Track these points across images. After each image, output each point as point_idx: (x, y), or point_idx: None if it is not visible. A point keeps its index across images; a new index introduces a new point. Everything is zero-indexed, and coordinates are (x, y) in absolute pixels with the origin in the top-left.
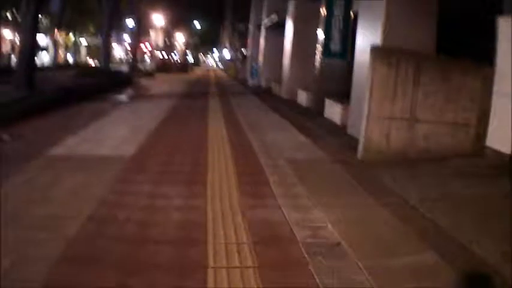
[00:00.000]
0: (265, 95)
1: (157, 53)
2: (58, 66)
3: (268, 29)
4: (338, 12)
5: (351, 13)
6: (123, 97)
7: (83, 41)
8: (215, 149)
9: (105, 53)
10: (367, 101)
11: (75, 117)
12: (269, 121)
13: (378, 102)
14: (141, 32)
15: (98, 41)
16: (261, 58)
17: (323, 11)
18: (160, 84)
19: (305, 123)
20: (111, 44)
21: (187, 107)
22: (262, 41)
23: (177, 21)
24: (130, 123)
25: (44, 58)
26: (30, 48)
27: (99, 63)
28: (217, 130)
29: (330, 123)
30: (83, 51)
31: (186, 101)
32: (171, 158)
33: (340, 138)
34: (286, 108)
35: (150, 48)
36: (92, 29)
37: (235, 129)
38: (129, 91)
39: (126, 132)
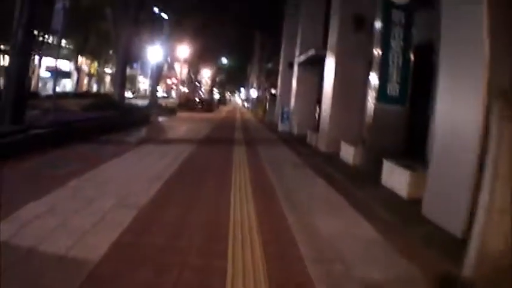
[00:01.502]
0: (299, 145)
1: (182, 89)
2: (78, 94)
3: (302, 67)
4: (396, 46)
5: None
6: (130, 140)
7: (108, 70)
8: (239, 250)
9: (120, 85)
10: (486, 180)
11: (53, 166)
12: (312, 191)
13: (505, 184)
14: (163, 64)
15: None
16: (292, 100)
17: (377, 45)
18: (180, 125)
19: (359, 195)
20: (125, 75)
21: (205, 161)
22: (294, 81)
23: (204, 56)
24: (121, 188)
25: (66, 85)
26: (19, 73)
27: (115, 95)
28: (242, 206)
29: (394, 197)
30: (108, 80)
31: (206, 150)
32: (166, 269)
33: (416, 225)
34: (329, 167)
35: (174, 83)
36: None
37: (269, 206)
38: (142, 132)
39: (108, 204)
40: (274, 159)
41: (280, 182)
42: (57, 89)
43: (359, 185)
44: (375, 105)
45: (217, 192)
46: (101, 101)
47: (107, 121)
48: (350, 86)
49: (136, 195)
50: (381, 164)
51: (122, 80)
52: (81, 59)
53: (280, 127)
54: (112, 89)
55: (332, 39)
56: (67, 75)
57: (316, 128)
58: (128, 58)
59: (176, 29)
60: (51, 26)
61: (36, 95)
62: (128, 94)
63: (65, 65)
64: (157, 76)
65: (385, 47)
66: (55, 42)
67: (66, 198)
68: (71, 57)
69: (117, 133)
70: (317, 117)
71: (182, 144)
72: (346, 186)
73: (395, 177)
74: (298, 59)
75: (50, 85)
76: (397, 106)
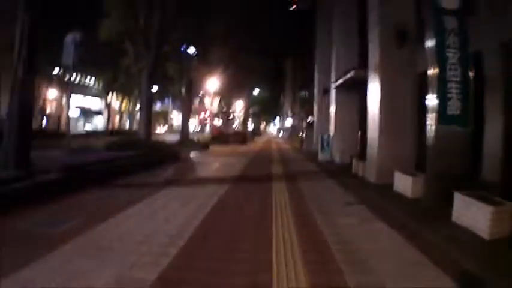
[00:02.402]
0: (344, 177)
1: (215, 122)
2: (108, 132)
3: (339, 91)
4: (453, 57)
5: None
6: (152, 182)
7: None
8: None
9: (145, 121)
10: None
11: (52, 222)
12: (376, 244)
13: None
14: (193, 97)
15: (156, 107)
16: (331, 128)
17: (431, 59)
18: (212, 161)
19: (430, 238)
20: (151, 111)
21: (238, 208)
22: (332, 107)
23: (235, 87)
24: (125, 257)
25: (97, 123)
26: (22, 112)
27: (141, 133)
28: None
29: (473, 238)
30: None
31: (239, 191)
32: None
33: None
34: (385, 203)
35: (206, 116)
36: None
37: (327, 277)
38: (168, 171)
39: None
40: (320, 198)
41: (335, 235)
42: (89, 128)
43: (427, 224)
44: (436, 127)
45: (255, 248)
46: (125, 139)
47: (128, 161)
48: (398, 107)
49: (143, 268)
50: (448, 196)
51: (147, 117)
52: (111, 97)
53: (320, 156)
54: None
55: (373, 57)
56: (97, 113)
57: (360, 155)
58: (151, 94)
59: (204, 61)
60: (61, 60)
61: (62, 134)
62: (161, 130)
63: (95, 103)
64: (188, 110)
65: (441, 60)
66: (83, 80)
67: (49, 271)
68: (101, 95)
69: (140, 174)
70: (359, 143)
71: (212, 185)
72: (413, 228)
73: (472, 213)
74: (335, 83)
75: (80, 123)
76: (460, 127)
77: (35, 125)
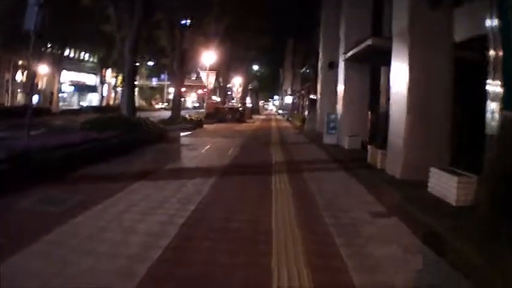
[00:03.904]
0: (358, 167)
1: (213, 98)
2: (98, 108)
3: (350, 65)
4: None
5: None
6: (119, 174)
7: (136, 82)
8: None
9: (128, 96)
10: None
11: None
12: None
13: None
14: (187, 72)
15: (151, 83)
16: (339, 107)
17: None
18: (203, 143)
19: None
20: (133, 84)
21: (221, 220)
22: (340, 83)
23: (233, 63)
24: None
25: (92, 99)
26: None
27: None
28: None
29: None
30: (136, 92)
31: (228, 190)
32: None
33: None
34: (423, 213)
35: (201, 92)
36: (144, 71)
37: None
38: (146, 156)
39: None
40: (337, 204)
41: (367, 273)
42: (84, 104)
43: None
44: (505, 114)
45: None
46: (104, 117)
47: (101, 144)
48: (431, 84)
49: None
50: None
51: (130, 91)
52: (105, 72)
53: (326, 139)
54: (142, 102)
55: (399, 20)
56: (92, 89)
57: (372, 139)
58: (134, 65)
59: (199, 33)
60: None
61: (49, 111)
62: (158, 106)
63: (90, 78)
64: (180, 85)
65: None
66: (77, 56)
67: None
68: (96, 70)
69: (110, 162)
70: (371, 126)
71: (195, 178)
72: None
73: None
74: (345, 55)
75: (74, 99)
76: None
77: (21, 102)
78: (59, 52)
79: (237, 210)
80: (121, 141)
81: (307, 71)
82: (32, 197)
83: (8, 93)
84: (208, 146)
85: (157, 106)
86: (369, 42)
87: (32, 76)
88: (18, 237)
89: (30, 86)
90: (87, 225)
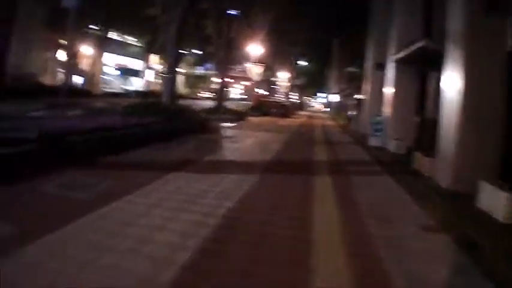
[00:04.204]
0: (404, 173)
1: (257, 90)
2: (141, 94)
3: (400, 66)
4: None
5: None
6: (157, 162)
7: (181, 70)
8: None
9: (169, 83)
10: None
11: None
12: None
13: None
14: (233, 62)
15: (197, 71)
16: (386, 108)
17: None
18: (246, 135)
19: None
20: (175, 71)
21: (261, 220)
22: (388, 85)
23: (280, 57)
24: None
25: (137, 84)
26: None
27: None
28: None
29: None
30: (181, 80)
31: (267, 189)
32: None
33: None
34: (472, 229)
35: (247, 84)
36: (190, 59)
37: None
38: (187, 146)
39: None
40: (382, 212)
41: None
42: (128, 88)
43: None
44: None
45: None
46: (146, 102)
47: (139, 130)
48: (486, 92)
49: None
50: None
51: (172, 78)
52: (150, 57)
53: (371, 141)
54: (187, 90)
55: (454, 25)
56: (137, 73)
57: (418, 145)
58: (178, 51)
59: (247, 24)
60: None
61: (89, 92)
62: (202, 95)
63: (135, 63)
64: (225, 74)
65: None
66: (123, 39)
67: None
68: (142, 55)
69: (147, 148)
70: (418, 130)
71: (234, 174)
72: None
73: None
74: (395, 56)
75: (118, 83)
76: None
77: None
78: (103, 34)
79: (277, 213)
80: (161, 129)
81: (354, 70)
82: (58, 180)
83: (49, 72)
84: (251, 139)
85: (202, 95)
86: (420, 44)
87: (69, 55)
88: (31, 226)
89: (66, 65)
90: (110, 218)
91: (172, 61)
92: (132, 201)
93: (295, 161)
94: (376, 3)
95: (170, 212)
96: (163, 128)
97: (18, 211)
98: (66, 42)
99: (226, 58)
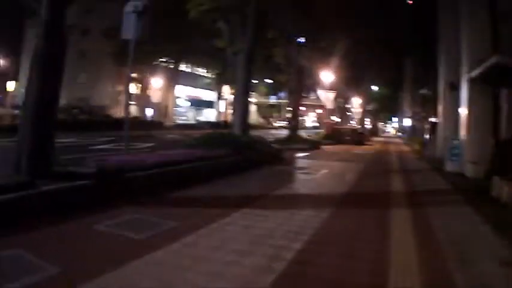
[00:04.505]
0: (483, 201)
1: (331, 118)
2: (216, 124)
3: (474, 85)
4: None
5: None
6: (228, 195)
7: (253, 99)
8: None
9: (241, 112)
10: None
11: None
12: None
13: None
14: (304, 89)
15: (269, 100)
16: (462, 131)
17: None
18: (319, 165)
19: None
20: (247, 101)
21: (344, 249)
22: (462, 106)
23: (352, 82)
24: None
25: (209, 115)
26: (41, 96)
27: (235, 127)
28: None
29: None
30: (254, 110)
31: (346, 218)
32: None
33: None
34: None
35: (321, 112)
36: (262, 88)
37: None
38: (257, 179)
39: None
40: (464, 249)
41: None
42: (200, 119)
43: None
44: None
45: None
46: (214, 134)
47: (206, 163)
48: None
49: None
50: None
51: (243, 107)
52: (222, 88)
53: (448, 166)
54: (260, 120)
55: None
56: (209, 104)
57: (496, 169)
58: (248, 81)
59: (316, 51)
60: (121, 33)
61: (161, 124)
62: (276, 124)
63: (207, 94)
64: (296, 103)
65: None
66: (193, 70)
67: None
68: (214, 86)
69: (214, 183)
70: (495, 154)
71: (305, 210)
72: None
73: None
74: (468, 75)
75: (190, 114)
76: None
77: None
78: (175, 66)
79: (353, 254)
80: (229, 161)
81: (427, 92)
82: (114, 218)
83: (120, 105)
84: (324, 170)
85: (275, 124)
86: (492, 61)
87: (127, 86)
88: (78, 268)
89: (125, 96)
90: (166, 262)
91: (242, 91)
92: (192, 243)
93: (369, 192)
94: (445, 22)
95: (233, 256)
96: (232, 161)
97: (66, 250)
98: (137, 75)
99: (297, 86)
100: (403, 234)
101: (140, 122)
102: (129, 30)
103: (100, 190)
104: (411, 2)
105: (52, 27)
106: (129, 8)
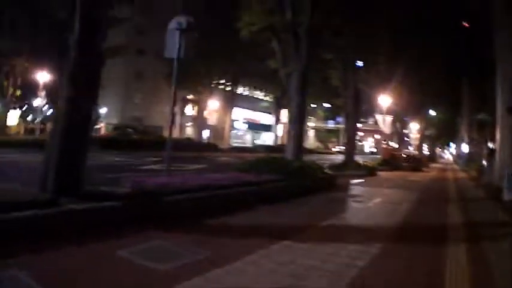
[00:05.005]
0: None
1: (389, 144)
2: (273, 148)
3: None
4: None
5: None
6: (271, 224)
7: (311, 124)
8: None
9: (293, 138)
10: None
11: None
12: None
13: None
14: (361, 113)
15: (327, 125)
16: None
17: None
18: (373, 193)
19: None
20: (302, 125)
21: None
22: None
23: (410, 107)
24: None
25: (266, 138)
26: (72, 114)
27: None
28: None
29: None
30: (311, 134)
31: (397, 256)
32: None
33: None
34: None
35: (378, 137)
36: (320, 112)
37: None
38: (305, 207)
39: None
40: None
41: None
42: (257, 142)
43: None
44: None
45: None
46: (266, 158)
47: (254, 189)
48: None
49: None
50: None
51: (297, 131)
52: (280, 112)
53: (506, 195)
54: (318, 144)
55: None
56: (267, 128)
57: None
58: (302, 104)
59: (373, 74)
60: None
61: (215, 146)
62: (334, 149)
63: (265, 117)
64: (353, 127)
65: None
66: (251, 93)
67: None
68: (272, 109)
69: (257, 210)
70: None
71: (354, 243)
72: None
73: None
74: None
75: (247, 137)
76: None
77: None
78: (231, 88)
79: None
80: (278, 187)
81: (484, 116)
82: (140, 245)
83: (175, 126)
84: (378, 199)
85: (333, 149)
86: None
87: (173, 106)
88: None
89: (170, 116)
90: None
91: (296, 113)
92: (216, 279)
93: (423, 225)
94: (502, 45)
95: None
96: (281, 187)
97: (80, 279)
98: (193, 97)
99: (354, 110)
100: (459, 277)
101: (194, 144)
102: (173, 48)
103: (130, 212)
104: (467, 24)
105: (86, 44)
106: (172, 25)
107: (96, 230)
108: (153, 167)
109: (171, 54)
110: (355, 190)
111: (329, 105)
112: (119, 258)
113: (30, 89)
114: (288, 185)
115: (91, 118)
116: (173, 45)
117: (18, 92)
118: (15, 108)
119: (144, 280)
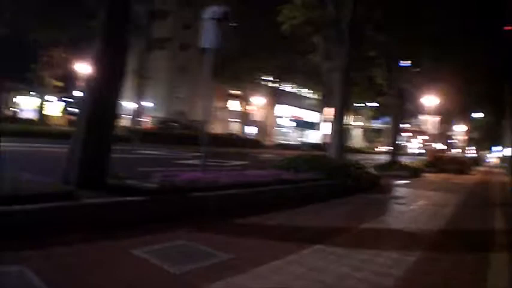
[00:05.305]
0: None
1: (434, 145)
2: (318, 146)
3: None
4: None
5: None
6: (305, 226)
7: (359, 122)
8: None
9: (335, 135)
10: None
11: None
12: None
13: None
14: (406, 114)
15: (374, 124)
16: None
17: None
18: (417, 195)
19: None
20: (342, 122)
21: None
22: None
23: (455, 109)
24: None
25: (313, 135)
26: (96, 106)
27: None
28: None
29: None
30: (357, 133)
31: (436, 267)
32: None
33: None
34: None
35: (424, 139)
36: (369, 112)
37: None
38: (345, 208)
39: None
40: None
41: None
42: (303, 140)
43: None
44: None
45: None
46: (307, 156)
47: (293, 187)
48: None
49: None
50: None
51: (339, 130)
52: (327, 110)
53: None
54: (367, 143)
55: None
56: (313, 126)
57: None
58: (345, 101)
59: (419, 74)
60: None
61: (258, 143)
62: (381, 148)
63: (312, 115)
64: (397, 127)
65: None
66: (298, 91)
67: None
68: (318, 107)
69: (294, 210)
70: None
71: (391, 250)
72: None
73: None
74: None
75: (294, 135)
76: None
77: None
78: (277, 85)
79: None
80: (317, 186)
81: None
82: (160, 243)
83: (220, 121)
84: (421, 201)
85: (379, 149)
86: None
87: (210, 100)
88: None
89: (206, 111)
90: None
91: (339, 111)
92: (236, 286)
93: (466, 230)
94: None
95: None
96: (321, 186)
97: (83, 278)
98: (238, 93)
99: (398, 110)
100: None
101: (237, 139)
102: (208, 38)
103: (155, 209)
104: (510, 28)
105: (110, 33)
106: (207, 14)
107: (115, 225)
108: (190, 161)
109: (206, 44)
110: (397, 192)
111: (377, 105)
112: (130, 257)
113: (72, 81)
114: (327, 184)
115: (115, 109)
116: (208, 35)
117: (59, 84)
118: (58, 100)
119: (148, 284)
